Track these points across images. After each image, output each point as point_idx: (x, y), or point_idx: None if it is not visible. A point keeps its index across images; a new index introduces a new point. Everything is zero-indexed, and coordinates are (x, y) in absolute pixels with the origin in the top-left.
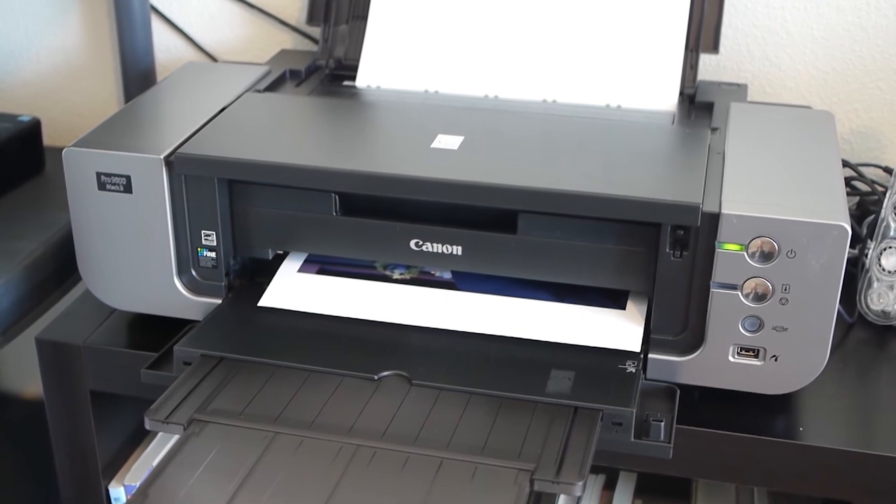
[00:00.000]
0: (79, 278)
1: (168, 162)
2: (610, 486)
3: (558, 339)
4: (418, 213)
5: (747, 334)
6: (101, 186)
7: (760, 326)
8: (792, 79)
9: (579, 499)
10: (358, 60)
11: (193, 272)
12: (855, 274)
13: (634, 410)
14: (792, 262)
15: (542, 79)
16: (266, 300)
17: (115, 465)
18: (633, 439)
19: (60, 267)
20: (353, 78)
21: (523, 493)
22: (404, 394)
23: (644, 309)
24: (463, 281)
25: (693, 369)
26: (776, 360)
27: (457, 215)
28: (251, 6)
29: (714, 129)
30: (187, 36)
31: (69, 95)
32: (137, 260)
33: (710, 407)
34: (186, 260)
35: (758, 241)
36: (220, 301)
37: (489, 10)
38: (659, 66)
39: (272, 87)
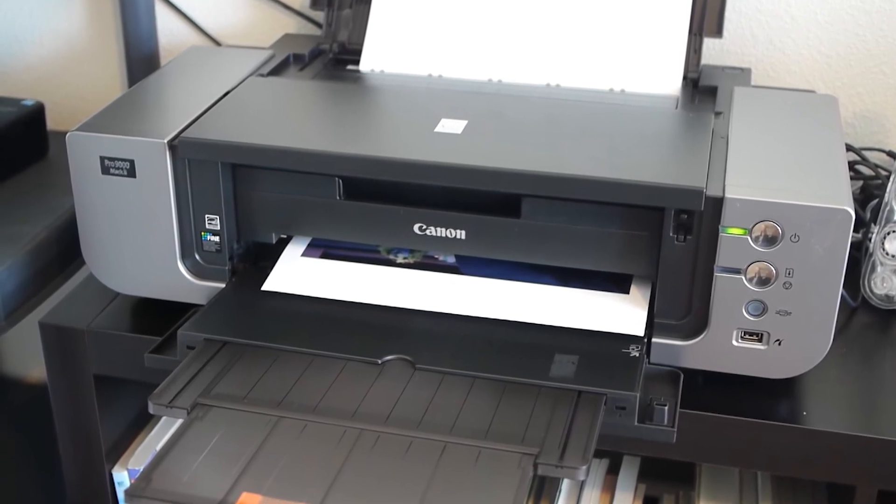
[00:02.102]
0: (82, 262)
1: (172, 146)
2: (613, 471)
3: (562, 324)
4: (422, 198)
5: (751, 318)
6: (105, 171)
7: (764, 310)
8: (796, 63)
9: (583, 483)
10: (361, 45)
11: (197, 256)
12: (858, 258)
13: (638, 395)
14: (796, 246)
15: (545, 63)
16: (269, 284)
17: (119, 449)
18: (636, 423)
19: (64, 251)
20: (357, 62)
21: (527, 478)
22: (408, 378)
23: (648, 293)
24: (467, 265)
25: (697, 353)
26: (780, 344)
27: (461, 199)
28: None
29: (718, 114)
30: (191, 20)
31: (73, 79)
32: (141, 244)
33: (713, 391)
34: (190, 244)
35: (761, 226)
36: (223, 285)
37: None
38: (662, 51)
39: (276, 72)
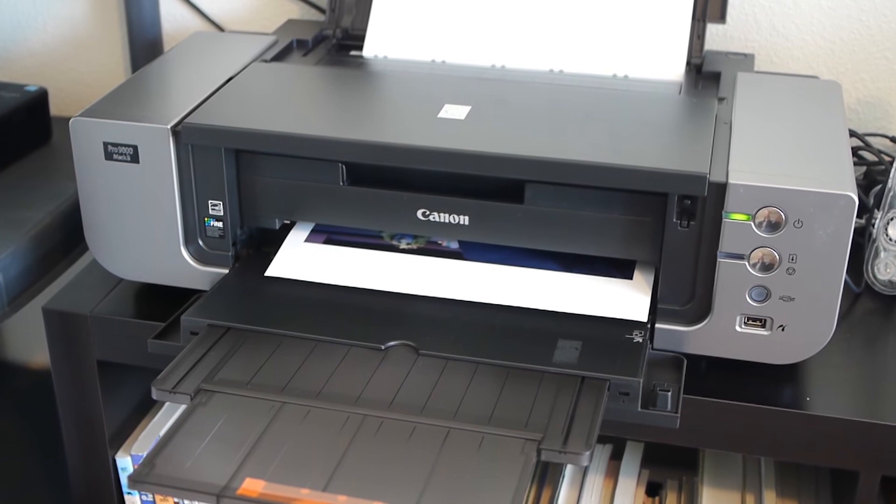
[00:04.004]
0: (86, 248)
1: (175, 132)
2: (617, 456)
3: (565, 309)
4: (425, 183)
5: (754, 304)
6: (108, 156)
7: (767, 296)
8: (799, 48)
9: (586, 469)
10: (365, 30)
11: (200, 242)
12: (862, 244)
13: (641, 380)
14: (799, 231)
15: (548, 48)
16: (273, 270)
17: (122, 434)
18: (639, 409)
19: (67, 237)
20: (360, 48)
21: (530, 463)
22: (411, 364)
23: (651, 279)
24: (470, 251)
25: (700, 339)
26: (783, 329)
27: (464, 185)
28: None
29: (721, 99)
30: (194, 6)
31: (76, 65)
32: (144, 230)
33: (716, 377)
34: (193, 230)
35: (765, 211)
36: (226, 271)
37: None
38: (666, 36)
39: (279, 57)
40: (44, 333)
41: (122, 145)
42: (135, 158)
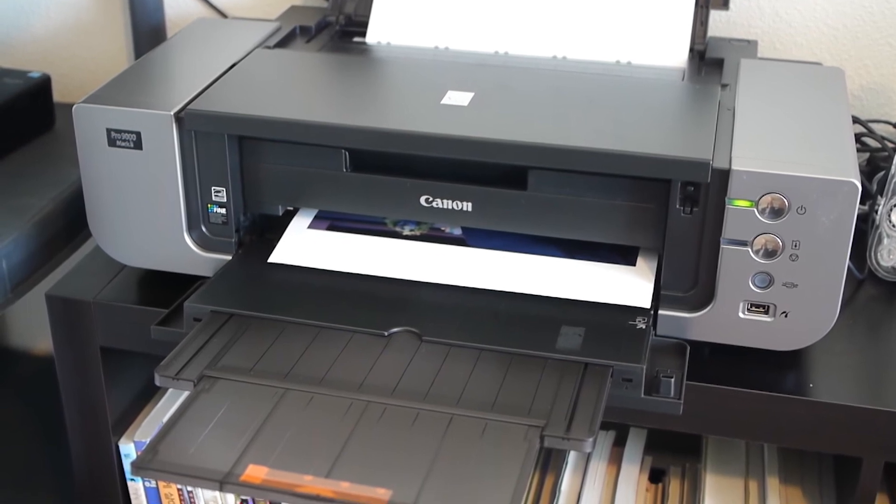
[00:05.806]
0: (89, 234)
1: (178, 118)
2: (620, 443)
3: (568, 296)
4: (428, 170)
5: (757, 290)
6: (112, 143)
7: (771, 282)
8: (802, 35)
9: (589, 455)
10: (368, 17)
11: (203, 228)
12: (865, 230)
13: (644, 367)
14: (802, 218)
15: (552, 35)
16: (276, 256)
17: (126, 421)
18: (643, 395)
19: (70, 223)
20: (364, 34)
21: (533, 450)
22: (414, 350)
23: (654, 265)
24: (473, 237)
25: (703, 325)
26: (786, 316)
27: (467, 171)
28: None
29: (724, 86)
30: None
31: (79, 52)
32: (147, 216)
33: (720, 363)
34: (196, 216)
35: (768, 198)
36: (230, 257)
37: None
38: (669, 23)
39: (282, 44)
40: (47, 320)
41: (125, 132)
42: (138, 145)
